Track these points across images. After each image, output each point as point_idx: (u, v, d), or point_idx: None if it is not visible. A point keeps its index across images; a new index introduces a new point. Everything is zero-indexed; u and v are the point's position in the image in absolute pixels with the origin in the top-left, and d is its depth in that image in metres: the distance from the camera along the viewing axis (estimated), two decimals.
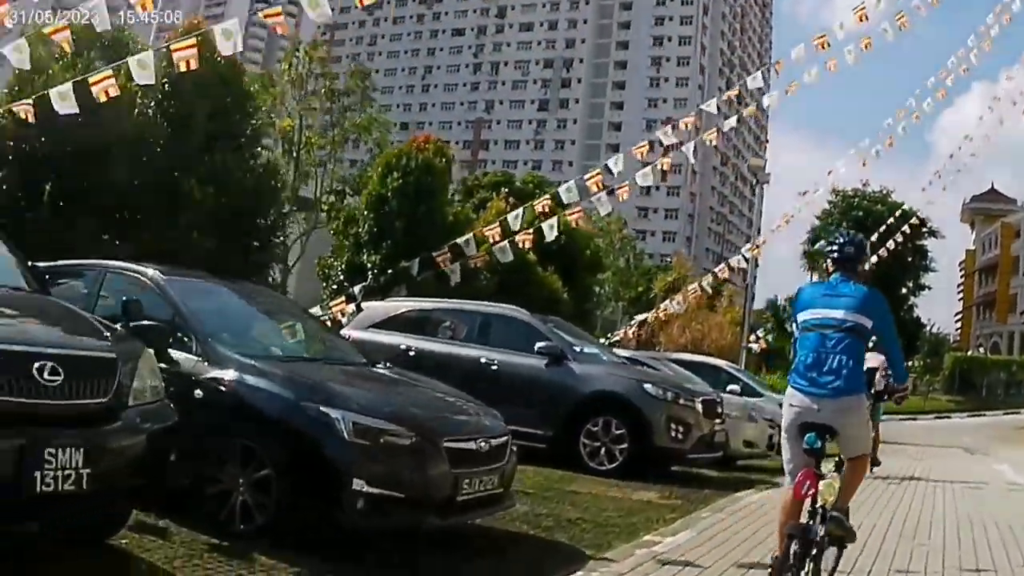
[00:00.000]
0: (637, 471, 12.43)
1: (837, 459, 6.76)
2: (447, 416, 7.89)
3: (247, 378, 7.19)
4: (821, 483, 6.29)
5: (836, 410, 6.29)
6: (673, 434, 12.93)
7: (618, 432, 12.73)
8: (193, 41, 11.85)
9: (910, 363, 76.11)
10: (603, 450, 12.71)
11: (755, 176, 37.29)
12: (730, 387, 17.97)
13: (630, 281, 77.17)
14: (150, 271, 8.30)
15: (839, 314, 6.42)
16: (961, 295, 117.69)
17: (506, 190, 45.76)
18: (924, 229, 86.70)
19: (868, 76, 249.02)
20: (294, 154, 38.59)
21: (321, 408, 6.83)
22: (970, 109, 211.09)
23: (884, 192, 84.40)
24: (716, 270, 30.64)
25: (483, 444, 7.52)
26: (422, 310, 15.71)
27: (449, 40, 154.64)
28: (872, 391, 9.56)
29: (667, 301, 29.24)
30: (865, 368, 6.72)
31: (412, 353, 13.51)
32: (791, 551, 6.00)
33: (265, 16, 12.79)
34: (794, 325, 6.82)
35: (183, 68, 12.00)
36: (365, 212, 28.20)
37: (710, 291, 32.90)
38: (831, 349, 6.36)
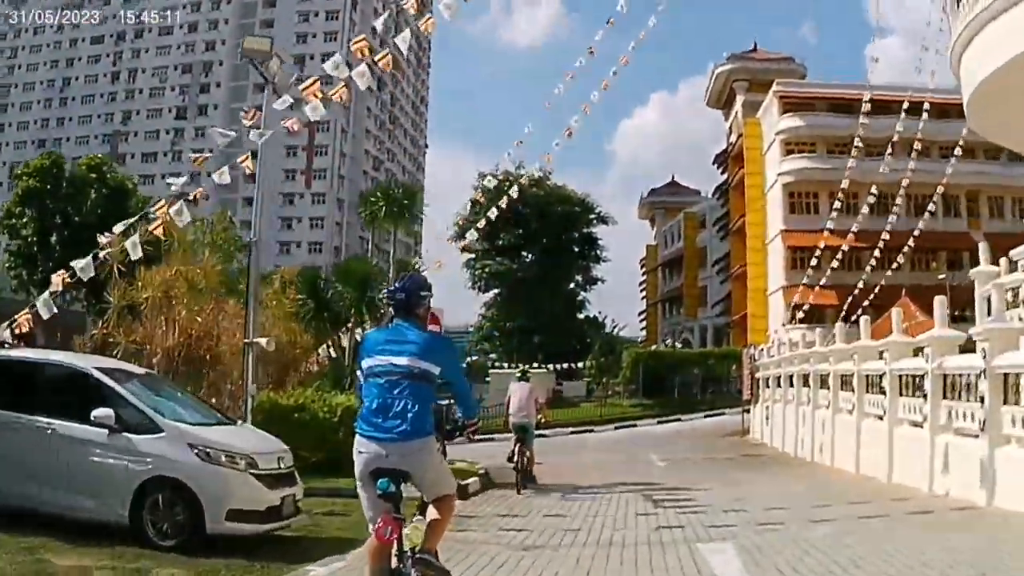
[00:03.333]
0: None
1: (419, 502, 8.35)
2: None
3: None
4: (406, 527, 6.90)
5: (405, 454, 6.65)
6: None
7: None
8: None
9: (585, 364, 65.96)
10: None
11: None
12: (97, 412, 11.51)
13: None
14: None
15: (404, 361, 6.81)
16: (644, 294, 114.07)
17: None
18: (592, 216, 78.06)
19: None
20: None
21: None
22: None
23: (542, 174, 75.06)
24: None
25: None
26: None
27: (88, 48, 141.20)
28: (440, 430, 8.29)
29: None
30: (433, 407, 7.00)
31: None
32: None
33: None
34: (360, 372, 7.14)
35: None
36: None
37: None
38: (397, 395, 6.73)
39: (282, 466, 12.17)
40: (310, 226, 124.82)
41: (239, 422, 14.10)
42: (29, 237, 52.37)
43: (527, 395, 20.06)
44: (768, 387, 32.85)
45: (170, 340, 21.06)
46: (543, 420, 22.10)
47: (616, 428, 46.36)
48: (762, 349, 37.15)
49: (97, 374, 12.09)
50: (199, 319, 21.80)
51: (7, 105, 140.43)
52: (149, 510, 11.05)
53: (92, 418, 11.27)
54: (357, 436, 6.80)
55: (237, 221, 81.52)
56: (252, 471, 11.50)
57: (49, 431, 11.46)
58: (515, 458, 18.87)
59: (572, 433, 43.68)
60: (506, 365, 63.26)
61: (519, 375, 21.42)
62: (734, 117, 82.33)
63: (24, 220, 53.29)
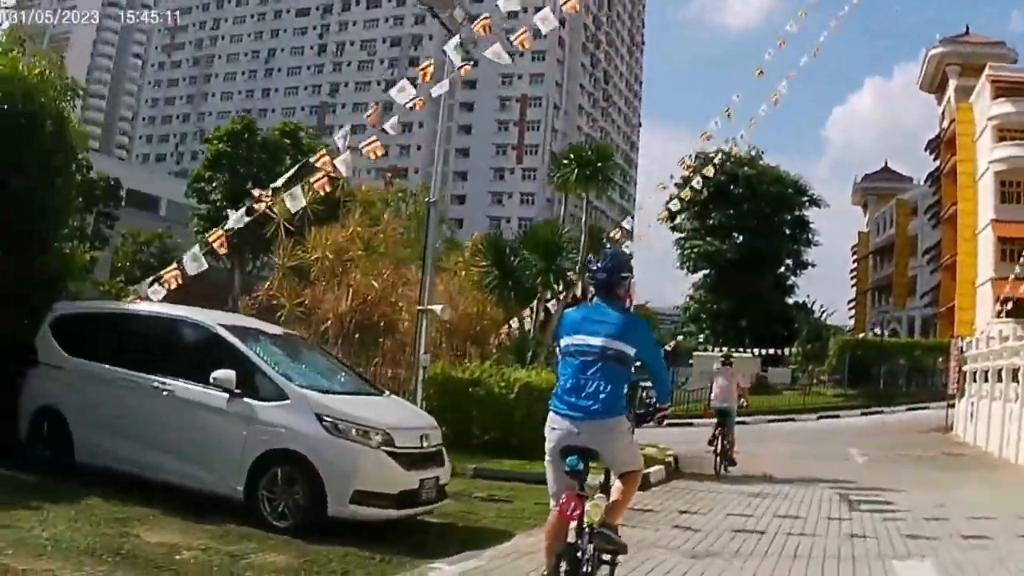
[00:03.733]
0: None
1: (600, 481, 7.54)
2: None
3: None
4: (588, 503, 6.67)
5: (595, 432, 6.79)
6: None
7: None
8: None
9: (791, 351, 63.94)
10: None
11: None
12: (217, 374, 10.65)
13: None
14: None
15: (599, 341, 6.90)
16: (855, 282, 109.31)
17: None
18: (804, 198, 75.79)
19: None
20: None
21: None
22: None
23: (754, 153, 72.82)
24: None
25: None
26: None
27: (293, 21, 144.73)
28: (632, 412, 8.03)
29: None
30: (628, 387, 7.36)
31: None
32: (560, 570, 6.58)
33: None
34: (558, 350, 7.29)
35: None
36: None
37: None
38: (590, 375, 6.83)
39: (426, 445, 10.97)
40: (520, 202, 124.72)
41: (387, 393, 12.88)
42: (218, 202, 52.76)
43: (729, 379, 20.50)
44: (975, 381, 30.81)
45: (343, 305, 20.26)
46: (744, 404, 22.12)
47: (818, 418, 44.56)
48: (970, 341, 35.02)
49: (222, 332, 11.21)
50: (375, 284, 20.96)
51: (211, 75, 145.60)
52: (266, 485, 10.11)
53: (211, 380, 10.50)
54: (551, 413, 6.97)
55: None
56: (387, 448, 10.30)
57: (165, 392, 10.76)
58: (715, 442, 19.40)
59: (772, 421, 42.17)
60: (711, 348, 62.06)
61: (722, 360, 22.08)
62: (947, 102, 78.38)
63: (214, 185, 54.55)
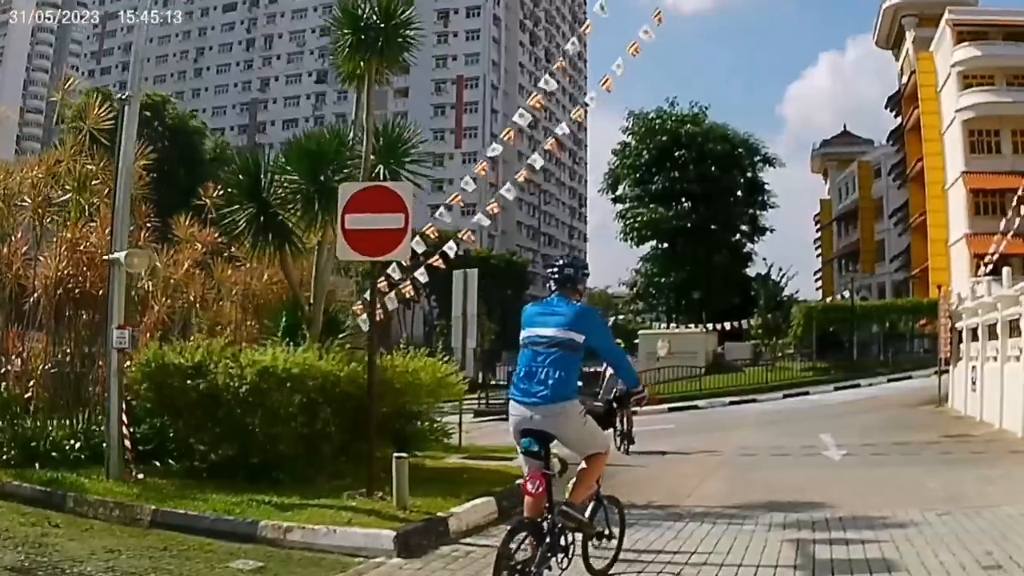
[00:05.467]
0: None
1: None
2: None
3: None
4: (551, 482, 7.17)
5: (547, 416, 7.19)
6: None
7: None
8: None
9: (751, 323, 56.74)
10: None
11: None
12: None
13: None
14: None
15: (550, 332, 7.38)
16: (819, 252, 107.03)
17: None
18: (758, 157, 69.70)
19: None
20: None
21: None
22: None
23: (697, 111, 66.77)
24: None
25: None
26: None
27: (221, 17, 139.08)
28: (610, 398, 10.35)
29: None
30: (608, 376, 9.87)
31: None
32: (510, 542, 6.80)
33: None
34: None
35: None
36: None
37: None
38: (541, 363, 7.28)
39: None
40: (462, 188, 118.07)
41: None
42: None
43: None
44: (976, 340, 24.44)
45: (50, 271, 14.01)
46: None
47: (784, 396, 38.80)
48: (961, 294, 28.68)
49: None
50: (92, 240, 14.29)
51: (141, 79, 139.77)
52: None
53: None
54: (510, 401, 7.45)
55: None
56: None
57: None
58: (618, 424, 19.50)
59: (732, 403, 36.95)
60: (668, 326, 57.56)
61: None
62: (905, 56, 76.47)
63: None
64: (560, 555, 7.06)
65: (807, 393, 39.24)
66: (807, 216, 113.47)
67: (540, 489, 6.98)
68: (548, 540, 6.91)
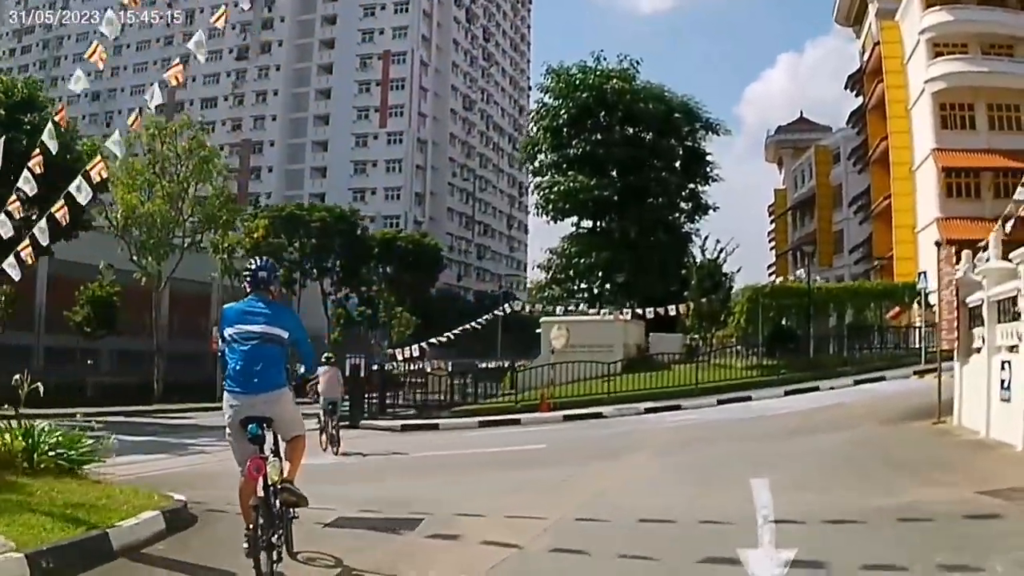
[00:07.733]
0: None
1: (272, 448, 8.23)
2: None
3: None
4: (268, 465, 7.89)
5: (267, 402, 8.10)
6: None
7: None
8: None
9: (678, 309, 44.57)
10: None
11: None
12: None
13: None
14: None
15: (258, 328, 8.26)
16: (773, 244, 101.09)
17: None
18: (699, 123, 60.74)
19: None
20: None
21: None
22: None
23: (627, 65, 59.05)
24: None
25: None
26: None
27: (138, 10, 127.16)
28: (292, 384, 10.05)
29: None
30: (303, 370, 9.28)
31: None
32: (259, 521, 7.52)
33: None
34: (221, 340, 8.42)
35: None
36: None
37: None
38: (255, 356, 8.16)
39: None
40: (386, 169, 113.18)
41: None
42: None
43: (334, 377, 23.11)
44: (1009, 318, 15.70)
45: None
46: (345, 398, 26.03)
47: (719, 403, 30.14)
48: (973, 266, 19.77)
49: None
50: None
51: (59, 58, 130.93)
52: None
53: None
54: (226, 393, 8.22)
55: None
56: None
57: None
58: (325, 427, 22.09)
59: (650, 411, 29.01)
60: (590, 310, 48.84)
61: (324, 359, 23.06)
62: (867, 31, 72.22)
63: None
64: (281, 531, 7.88)
65: (749, 399, 30.51)
66: (765, 214, 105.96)
67: (263, 471, 7.78)
68: (277, 520, 7.80)
